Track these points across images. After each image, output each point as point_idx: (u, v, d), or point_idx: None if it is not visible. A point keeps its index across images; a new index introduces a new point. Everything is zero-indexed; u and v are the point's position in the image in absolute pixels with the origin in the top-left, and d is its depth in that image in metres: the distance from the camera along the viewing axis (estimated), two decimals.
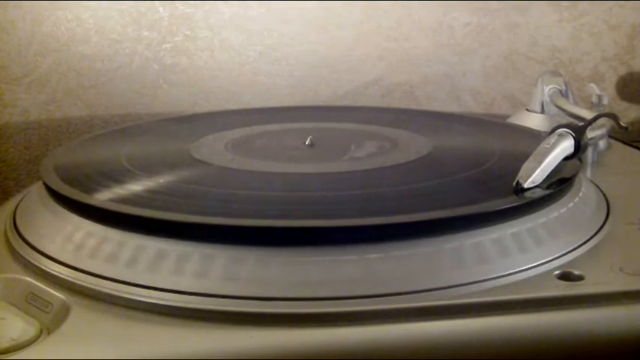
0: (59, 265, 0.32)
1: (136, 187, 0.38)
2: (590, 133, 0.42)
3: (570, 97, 0.57)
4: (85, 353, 0.27)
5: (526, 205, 0.34)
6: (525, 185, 0.35)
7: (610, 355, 0.29)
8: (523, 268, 0.31)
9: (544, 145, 0.37)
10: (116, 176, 0.39)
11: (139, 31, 0.66)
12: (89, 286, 0.31)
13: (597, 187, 0.43)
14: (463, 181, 0.39)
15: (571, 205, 0.36)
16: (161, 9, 0.66)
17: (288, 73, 0.69)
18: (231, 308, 0.29)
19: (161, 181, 0.39)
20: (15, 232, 0.37)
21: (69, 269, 0.32)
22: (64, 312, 0.30)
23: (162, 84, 0.68)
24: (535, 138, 0.43)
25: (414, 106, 0.71)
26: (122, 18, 0.66)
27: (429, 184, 0.38)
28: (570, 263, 0.32)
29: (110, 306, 0.30)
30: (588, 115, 0.49)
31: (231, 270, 0.30)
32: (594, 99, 0.55)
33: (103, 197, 0.36)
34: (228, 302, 0.29)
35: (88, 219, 0.34)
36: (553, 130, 0.38)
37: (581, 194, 0.38)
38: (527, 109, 0.59)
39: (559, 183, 0.36)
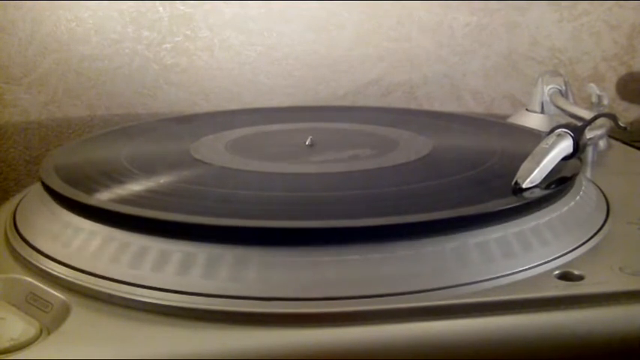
0: (59, 265, 0.32)
1: (135, 187, 0.38)
2: (589, 133, 0.42)
3: (570, 97, 0.57)
4: (85, 353, 0.27)
5: (526, 205, 0.34)
6: (524, 185, 0.35)
7: (610, 355, 0.29)
8: (523, 268, 0.31)
9: (542, 145, 0.37)
10: (116, 176, 0.39)
11: (139, 31, 0.66)
12: (89, 286, 0.31)
13: (597, 187, 0.43)
14: (463, 181, 0.39)
15: (571, 205, 0.36)
16: (161, 9, 0.66)
17: (288, 73, 0.69)
18: (232, 308, 0.29)
19: (161, 181, 0.39)
20: (15, 232, 0.37)
21: (69, 269, 0.32)
22: (64, 312, 0.30)
23: (163, 84, 0.68)
24: (535, 138, 0.43)
25: (414, 106, 0.71)
26: (122, 18, 0.66)
27: (429, 184, 0.38)
28: (570, 263, 0.32)
29: (110, 306, 0.30)
30: (588, 115, 0.49)
31: (231, 270, 0.30)
32: (594, 99, 0.55)
33: (102, 197, 0.36)
34: (228, 302, 0.29)
35: (88, 219, 0.34)
36: (552, 130, 0.38)
37: (581, 194, 0.38)
38: (527, 109, 0.59)
39: (559, 183, 0.36)
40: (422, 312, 0.29)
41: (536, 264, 0.32)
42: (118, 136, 0.51)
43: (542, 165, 0.36)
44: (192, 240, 0.31)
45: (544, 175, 0.36)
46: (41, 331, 0.29)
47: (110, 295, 0.30)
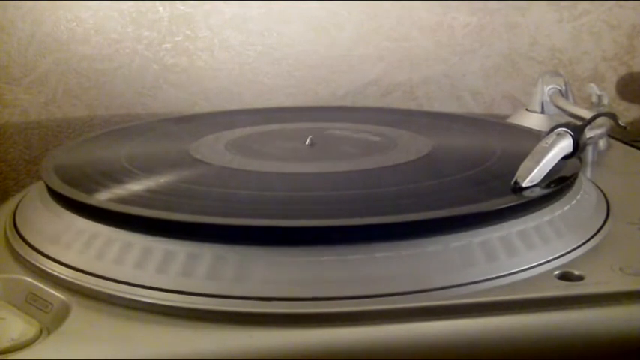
0: (59, 265, 0.32)
1: (135, 187, 0.38)
2: (588, 133, 0.42)
3: (570, 97, 0.57)
4: (85, 353, 0.27)
5: (525, 204, 0.34)
6: (523, 184, 0.35)
7: (610, 355, 0.29)
8: (523, 268, 0.31)
9: (542, 144, 0.37)
10: (116, 176, 0.39)
11: (139, 31, 0.66)
12: (89, 286, 0.31)
13: (597, 187, 0.43)
14: (463, 180, 0.39)
15: (571, 204, 0.36)
16: (161, 9, 0.66)
17: (288, 73, 0.69)
18: (232, 308, 0.29)
19: (161, 181, 0.39)
20: (15, 232, 0.37)
21: (69, 269, 0.32)
22: (64, 312, 0.30)
23: (162, 84, 0.68)
24: (535, 138, 0.43)
25: (413, 106, 0.71)
26: (122, 18, 0.66)
27: (429, 184, 0.38)
28: (570, 263, 0.32)
29: (110, 306, 0.30)
30: (588, 115, 0.49)
31: (231, 270, 0.30)
32: (594, 99, 0.55)
33: (102, 197, 0.36)
34: (228, 302, 0.29)
35: (87, 219, 0.34)
36: (552, 130, 0.38)
37: (580, 194, 0.38)
38: (527, 109, 0.59)
39: (558, 182, 0.36)
40: (422, 312, 0.29)
41: (536, 264, 0.32)
42: (118, 136, 0.51)
43: (541, 164, 0.36)
44: (192, 240, 0.31)
45: (544, 175, 0.36)
46: (41, 331, 0.29)
47: (110, 295, 0.30)
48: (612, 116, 0.41)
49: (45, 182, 0.38)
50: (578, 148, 0.38)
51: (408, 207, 0.34)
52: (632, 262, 0.32)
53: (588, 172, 0.48)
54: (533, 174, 0.35)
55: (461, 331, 0.29)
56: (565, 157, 0.37)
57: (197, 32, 0.67)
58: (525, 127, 0.53)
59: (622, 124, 0.40)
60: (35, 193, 0.40)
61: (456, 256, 0.31)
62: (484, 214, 0.33)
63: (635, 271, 0.31)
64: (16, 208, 0.40)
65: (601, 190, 0.42)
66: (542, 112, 0.57)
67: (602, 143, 0.54)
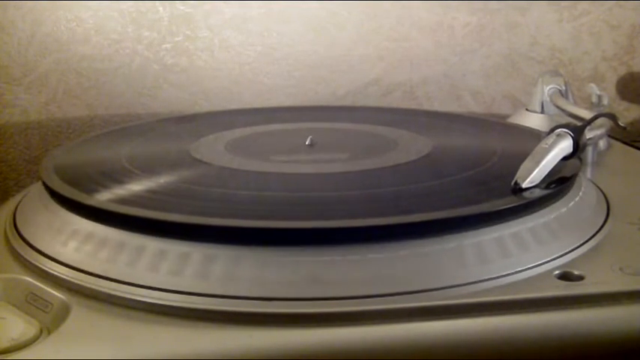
0: (59, 265, 0.32)
1: (135, 187, 0.38)
2: (588, 133, 0.42)
3: (570, 97, 0.57)
4: (85, 353, 0.27)
5: (526, 205, 0.34)
6: (523, 185, 0.35)
7: (610, 355, 0.29)
8: (523, 268, 0.31)
9: (542, 145, 0.37)
10: (116, 176, 0.39)
11: (139, 31, 0.66)
12: (89, 286, 0.31)
13: (597, 187, 0.43)
14: (463, 181, 0.39)
15: (571, 205, 0.36)
16: (161, 9, 0.66)
17: (288, 73, 0.69)
18: (231, 308, 0.29)
19: (161, 181, 0.39)
20: (15, 232, 0.37)
21: (69, 269, 0.32)
22: (64, 312, 0.30)
23: (162, 84, 0.68)
24: (535, 138, 0.43)
25: (413, 106, 0.71)
26: (122, 18, 0.66)
27: (429, 184, 0.38)
28: (570, 263, 0.32)
29: (110, 306, 0.30)
30: (588, 115, 0.49)
31: (231, 270, 0.30)
32: (594, 99, 0.55)
33: (102, 197, 0.36)
34: (228, 302, 0.29)
35: (87, 219, 0.34)
36: (552, 130, 0.38)
37: (581, 194, 0.38)
38: (527, 109, 0.59)
39: (558, 183, 0.36)
40: (422, 312, 0.29)
41: (536, 264, 0.32)
42: (118, 136, 0.51)
43: (541, 165, 0.36)
44: (192, 240, 0.31)
45: (544, 175, 0.36)
46: (41, 331, 0.29)
47: (110, 295, 0.30)
48: (612, 117, 0.41)
49: (44, 182, 0.38)
50: (578, 148, 0.38)
51: (407, 207, 0.34)
52: (632, 262, 0.32)
53: (588, 172, 0.48)
54: (534, 175, 0.35)
55: (461, 331, 0.29)
56: (565, 158, 0.37)
57: (197, 32, 0.67)
58: (526, 127, 0.53)
59: (622, 125, 0.40)
60: (35, 193, 0.40)
61: (456, 256, 0.31)
62: (484, 214, 0.33)
63: (635, 271, 0.31)
64: (16, 208, 0.40)
65: (601, 190, 0.42)
66: (542, 112, 0.57)
67: (602, 143, 0.54)
